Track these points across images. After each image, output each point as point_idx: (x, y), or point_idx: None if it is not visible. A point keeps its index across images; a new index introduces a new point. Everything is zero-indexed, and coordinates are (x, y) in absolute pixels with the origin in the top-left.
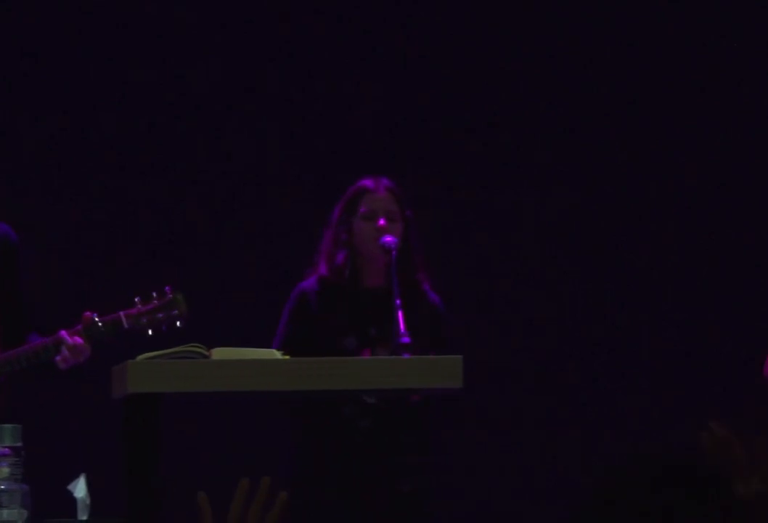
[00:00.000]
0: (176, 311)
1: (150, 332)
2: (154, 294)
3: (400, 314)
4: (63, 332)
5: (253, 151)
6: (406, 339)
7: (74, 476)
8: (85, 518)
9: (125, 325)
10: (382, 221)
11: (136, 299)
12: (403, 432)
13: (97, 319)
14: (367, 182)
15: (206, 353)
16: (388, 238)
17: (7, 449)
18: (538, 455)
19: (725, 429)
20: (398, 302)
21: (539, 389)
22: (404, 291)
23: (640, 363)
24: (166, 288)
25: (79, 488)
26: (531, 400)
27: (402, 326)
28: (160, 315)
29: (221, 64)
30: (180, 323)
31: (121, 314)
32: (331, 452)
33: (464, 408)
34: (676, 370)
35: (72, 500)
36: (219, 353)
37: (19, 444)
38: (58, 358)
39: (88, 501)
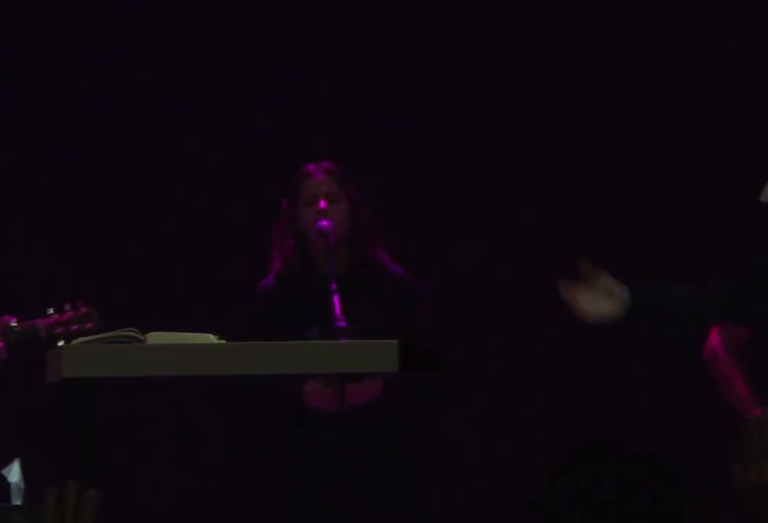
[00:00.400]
0: (90, 325)
1: (61, 344)
2: (68, 306)
3: (336, 298)
4: None
5: (198, 141)
6: (341, 323)
7: (8, 462)
8: (19, 503)
9: (42, 333)
10: (321, 204)
11: (50, 310)
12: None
13: (14, 324)
14: (307, 167)
15: (141, 337)
16: (324, 223)
17: None
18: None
19: None
20: (334, 286)
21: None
22: (362, 270)
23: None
24: (79, 301)
25: (14, 473)
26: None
27: (338, 310)
28: (75, 327)
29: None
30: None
31: (39, 321)
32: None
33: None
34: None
35: (6, 485)
36: (154, 338)
37: None
38: None
39: (22, 486)
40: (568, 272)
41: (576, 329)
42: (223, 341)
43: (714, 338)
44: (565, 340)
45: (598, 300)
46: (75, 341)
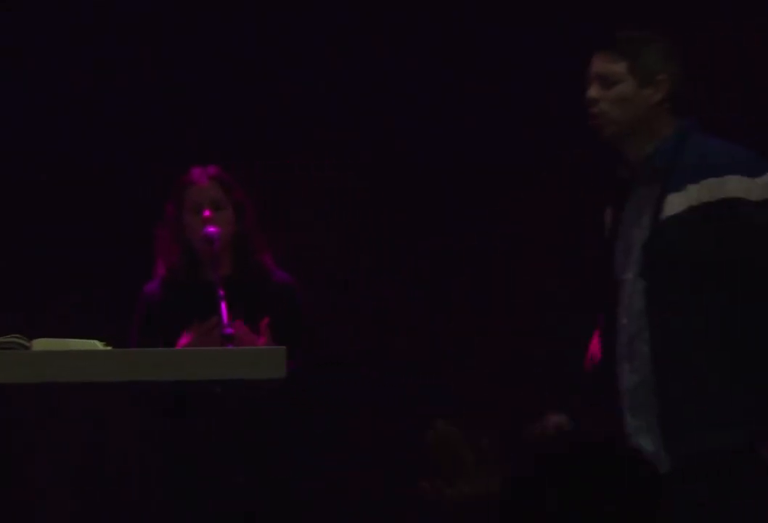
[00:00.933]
0: None
1: None
2: None
3: (223, 305)
4: None
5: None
6: (229, 330)
7: None
8: None
9: None
10: (206, 212)
11: None
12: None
13: None
14: (192, 173)
15: (27, 344)
16: (210, 229)
17: None
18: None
19: (451, 428)
20: (221, 293)
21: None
22: (248, 276)
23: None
24: None
25: None
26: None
27: (225, 316)
28: None
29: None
30: None
31: None
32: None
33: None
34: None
35: None
36: (40, 344)
37: None
38: None
39: None
40: None
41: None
42: (110, 348)
43: (594, 344)
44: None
45: None
46: None
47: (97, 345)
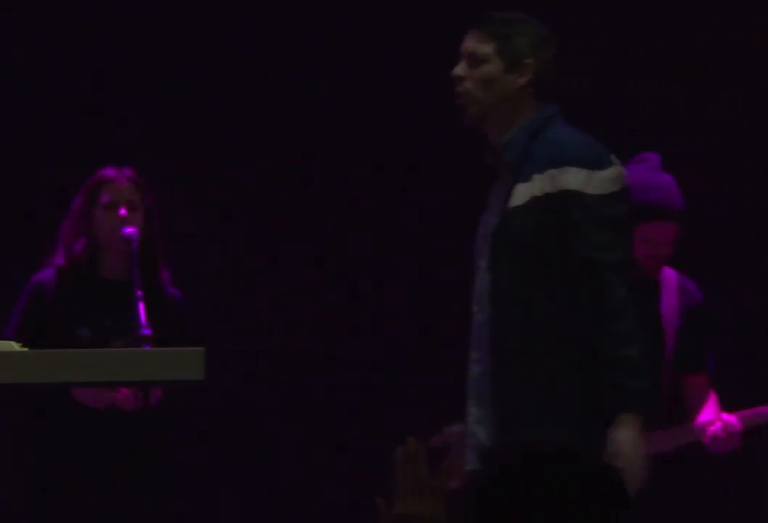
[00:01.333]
0: None
1: None
2: None
3: (141, 305)
4: None
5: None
6: (147, 331)
7: None
8: None
9: None
10: (123, 211)
11: None
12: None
13: None
14: (109, 172)
15: None
16: (129, 229)
17: None
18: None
19: (417, 448)
20: (139, 293)
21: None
22: (145, 282)
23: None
24: None
25: None
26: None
27: (143, 317)
28: None
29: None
30: None
31: None
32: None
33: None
34: None
35: None
36: None
37: None
38: None
39: None
40: None
41: None
42: (26, 349)
43: None
44: None
45: None
46: None
47: (13, 346)
